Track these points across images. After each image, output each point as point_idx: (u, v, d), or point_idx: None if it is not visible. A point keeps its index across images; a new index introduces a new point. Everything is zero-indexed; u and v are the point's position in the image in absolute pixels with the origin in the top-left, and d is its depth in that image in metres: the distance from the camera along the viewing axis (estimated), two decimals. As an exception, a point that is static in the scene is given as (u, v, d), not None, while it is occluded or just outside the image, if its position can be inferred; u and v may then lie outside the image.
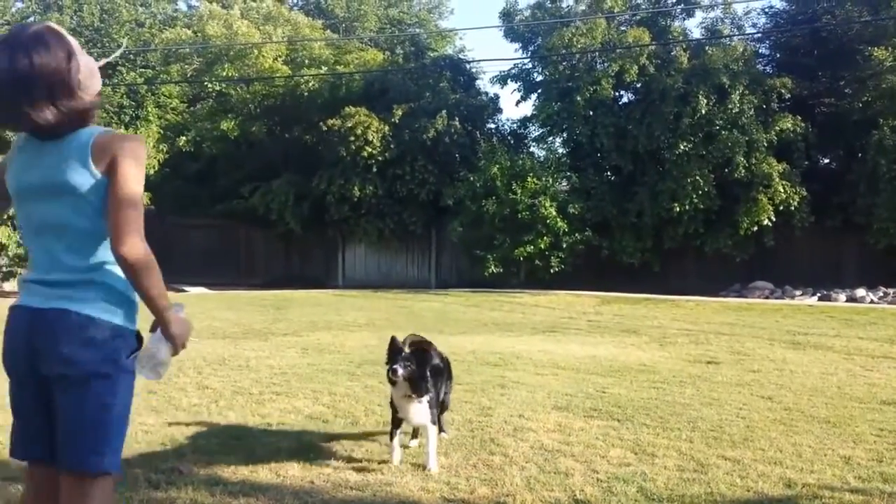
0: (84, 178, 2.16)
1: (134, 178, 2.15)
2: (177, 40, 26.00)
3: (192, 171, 25.20)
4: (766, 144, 19.96)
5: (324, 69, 24.89)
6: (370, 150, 22.19)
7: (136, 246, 2.15)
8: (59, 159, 2.18)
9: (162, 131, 25.05)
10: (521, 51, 23.88)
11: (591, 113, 21.74)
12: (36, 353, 2.18)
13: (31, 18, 28.81)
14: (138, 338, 2.28)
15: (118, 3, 28.51)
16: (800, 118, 20.41)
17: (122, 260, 2.15)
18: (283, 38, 25.40)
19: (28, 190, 2.24)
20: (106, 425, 2.19)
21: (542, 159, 22.86)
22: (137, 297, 2.28)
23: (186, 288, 21.03)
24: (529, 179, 20.31)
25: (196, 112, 26.81)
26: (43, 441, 2.24)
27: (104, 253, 2.21)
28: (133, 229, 2.14)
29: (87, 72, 2.22)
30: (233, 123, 23.89)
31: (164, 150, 23.45)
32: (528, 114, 24.28)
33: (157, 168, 22.76)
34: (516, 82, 23.79)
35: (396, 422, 4.55)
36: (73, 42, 2.23)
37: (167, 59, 27.26)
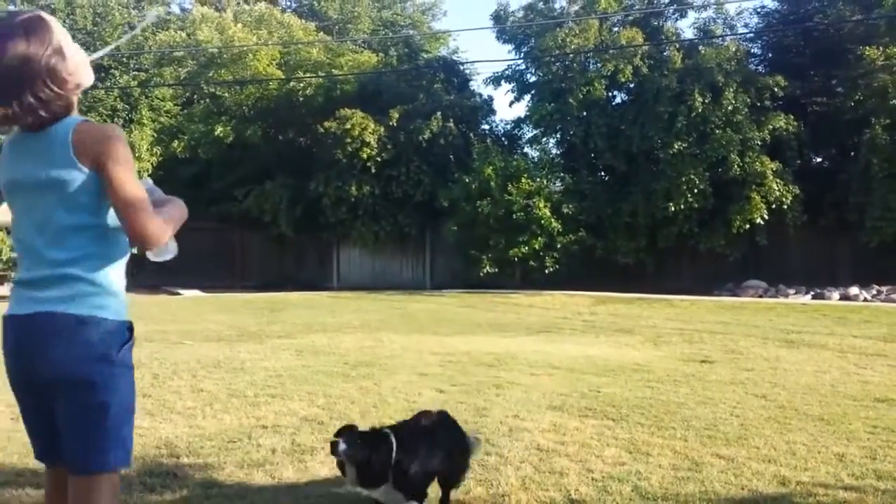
0: (67, 172, 2.12)
1: (128, 177, 2.14)
2: (170, 43, 25.96)
3: (186, 174, 25.12)
4: (759, 143, 20.04)
5: (318, 72, 24.88)
6: (368, 151, 22.21)
7: (159, 235, 2.18)
8: (41, 153, 2.14)
9: (155, 134, 24.99)
10: (514, 52, 23.96)
11: (584, 113, 21.80)
12: (29, 361, 2.17)
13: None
14: (130, 329, 2.24)
15: (111, 6, 28.42)
16: (792, 117, 20.49)
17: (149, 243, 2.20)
18: (277, 42, 25.38)
19: (14, 185, 2.22)
20: (106, 424, 2.16)
21: (536, 160, 22.91)
22: (123, 289, 2.25)
23: (181, 291, 20.99)
24: (524, 180, 20.35)
25: (190, 115, 26.76)
26: (53, 446, 2.24)
27: (85, 246, 2.17)
28: (146, 220, 2.13)
29: (73, 64, 2.18)
30: (227, 128, 23.86)
31: (158, 153, 23.40)
32: (522, 115, 24.37)
33: (150, 171, 22.70)
34: (510, 83, 23.85)
35: None
36: (62, 32, 2.19)
37: (160, 62, 27.21)
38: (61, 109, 2.16)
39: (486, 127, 25.89)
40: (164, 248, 2.33)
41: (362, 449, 3.33)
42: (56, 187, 2.14)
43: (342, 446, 3.30)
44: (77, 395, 2.14)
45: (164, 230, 2.18)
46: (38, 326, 2.14)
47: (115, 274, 2.23)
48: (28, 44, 2.10)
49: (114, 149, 2.13)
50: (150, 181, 2.49)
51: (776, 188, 19.63)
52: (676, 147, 20.11)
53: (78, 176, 2.13)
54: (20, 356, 2.19)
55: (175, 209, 2.34)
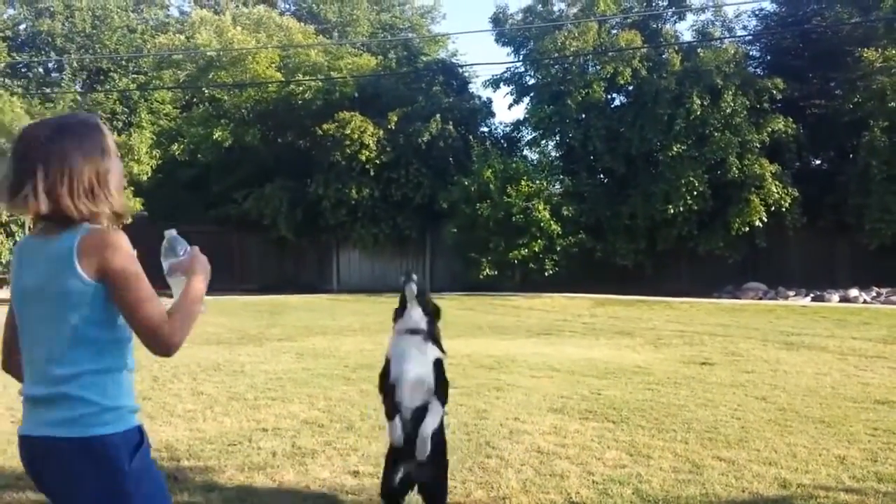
0: (70, 282, 2.04)
1: (133, 281, 2.06)
2: (169, 46, 25.97)
3: (185, 177, 25.13)
4: (758, 145, 20.05)
5: (317, 75, 24.89)
6: (367, 153, 22.22)
7: (175, 342, 2.11)
8: (47, 261, 2.07)
9: (155, 137, 25.00)
10: (513, 54, 23.95)
11: (583, 116, 21.81)
12: (48, 483, 2.14)
13: (23, 25, 28.76)
14: (140, 432, 2.19)
15: (110, 10, 28.45)
16: (791, 119, 20.50)
17: (172, 352, 2.13)
18: (276, 45, 25.39)
19: (22, 293, 2.15)
20: None
21: (535, 162, 22.90)
22: (124, 400, 2.17)
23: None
24: (523, 183, 20.35)
25: (189, 118, 26.77)
26: None
27: (84, 361, 2.09)
28: (157, 324, 2.07)
29: (106, 179, 2.11)
30: (226, 131, 23.86)
31: (158, 156, 23.40)
32: (521, 117, 24.35)
33: (150, 174, 22.70)
34: (509, 86, 23.84)
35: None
36: (111, 144, 2.16)
37: (160, 65, 27.22)
38: (77, 216, 2.07)
39: (486, 129, 25.90)
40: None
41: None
42: (58, 298, 2.06)
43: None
44: None
45: (178, 333, 2.11)
46: (42, 451, 2.10)
47: (114, 386, 2.14)
48: (79, 143, 2.09)
49: (113, 252, 2.04)
50: (173, 233, 2.36)
51: (775, 190, 19.63)
52: (675, 149, 20.12)
53: (82, 286, 2.04)
54: (39, 477, 2.16)
55: (193, 287, 2.25)
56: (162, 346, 2.08)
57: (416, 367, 3.75)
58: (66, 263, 2.03)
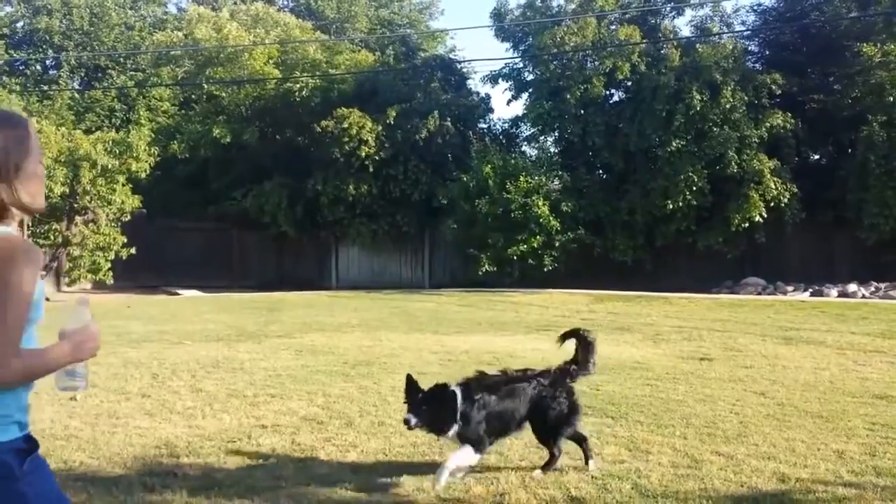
0: None
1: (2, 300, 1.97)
2: (167, 43, 25.93)
3: (183, 174, 25.10)
4: (756, 141, 20.04)
5: (315, 71, 24.86)
6: (366, 150, 22.20)
7: (5, 373, 1.99)
8: None
9: (153, 134, 24.98)
10: (511, 50, 23.93)
11: (582, 111, 21.79)
12: None
13: (21, 22, 28.71)
14: (20, 446, 2.10)
15: (107, 7, 28.41)
16: (790, 114, 20.48)
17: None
18: (274, 41, 25.35)
19: None
20: None
21: (534, 158, 22.89)
22: (9, 405, 2.09)
23: (179, 291, 20.98)
24: (522, 179, 20.33)
25: (188, 115, 26.74)
26: None
27: None
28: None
29: (25, 175, 2.11)
30: (224, 129, 23.83)
31: (156, 153, 23.37)
32: (520, 113, 24.33)
33: (148, 171, 22.67)
34: (507, 81, 23.82)
35: None
36: (33, 140, 2.15)
37: (158, 62, 27.18)
38: None
39: (484, 125, 25.89)
40: (72, 379, 2.17)
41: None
42: None
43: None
44: None
45: (9, 371, 1.99)
46: None
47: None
48: None
49: (3, 270, 1.99)
50: (85, 300, 2.24)
51: (774, 186, 19.63)
52: (674, 145, 20.11)
53: None
54: None
55: (60, 347, 2.12)
56: None
57: None
58: None
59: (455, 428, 4.05)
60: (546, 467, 4.35)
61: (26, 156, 2.12)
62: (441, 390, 4.08)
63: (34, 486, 2.11)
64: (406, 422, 4.01)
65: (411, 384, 4.13)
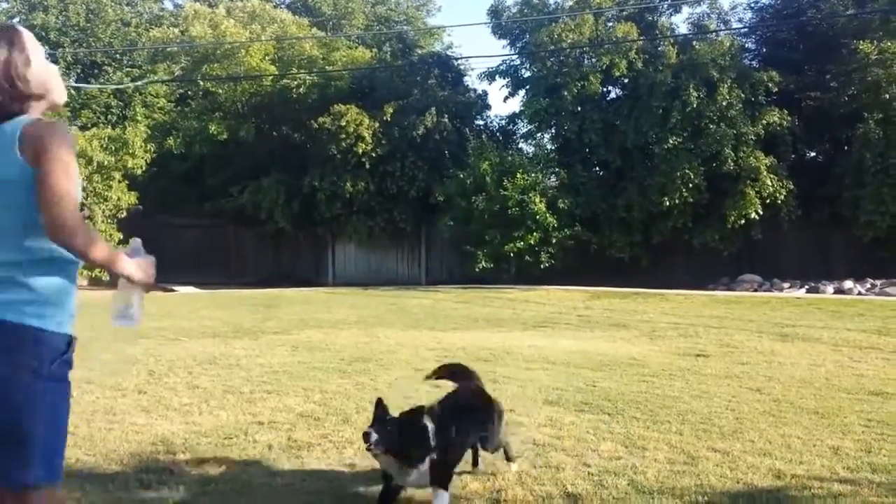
0: (11, 169, 2.08)
1: (59, 172, 2.07)
2: (163, 40, 25.87)
3: (180, 171, 25.07)
4: (753, 138, 20.07)
5: (312, 68, 24.82)
6: (363, 146, 22.19)
7: (75, 230, 2.07)
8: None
9: (150, 131, 24.95)
10: (508, 47, 23.90)
11: (579, 108, 21.80)
12: None
13: (17, 18, 28.61)
14: (69, 342, 2.17)
15: (104, 3, 28.34)
16: (786, 112, 20.50)
17: (69, 250, 2.10)
18: (271, 37, 25.31)
19: None
20: (29, 437, 2.06)
21: (531, 155, 22.90)
22: (70, 301, 2.18)
23: (176, 287, 20.94)
24: (519, 175, 20.34)
25: (184, 111, 26.69)
26: None
27: (28, 249, 2.11)
28: (66, 211, 2.05)
29: (38, 73, 2.22)
30: (220, 126, 23.80)
31: (152, 149, 23.35)
32: (517, 110, 24.34)
33: (144, 168, 22.64)
34: (504, 78, 23.80)
35: (389, 492, 3.76)
36: (31, 43, 2.24)
37: (154, 59, 27.12)
38: (15, 109, 2.15)
39: (481, 122, 25.90)
40: (126, 312, 2.29)
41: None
42: (1, 185, 2.10)
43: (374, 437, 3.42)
44: (1, 404, 2.07)
45: (82, 229, 2.09)
46: None
47: (59, 282, 2.16)
48: None
49: (51, 144, 2.08)
50: (138, 242, 2.41)
51: (770, 183, 19.67)
52: (671, 142, 20.13)
53: (22, 173, 2.08)
54: None
55: (120, 255, 2.25)
56: (54, 220, 2.07)
57: None
58: (6, 151, 2.10)
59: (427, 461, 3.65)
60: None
61: (27, 58, 2.21)
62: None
63: (48, 394, 2.16)
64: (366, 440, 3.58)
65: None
